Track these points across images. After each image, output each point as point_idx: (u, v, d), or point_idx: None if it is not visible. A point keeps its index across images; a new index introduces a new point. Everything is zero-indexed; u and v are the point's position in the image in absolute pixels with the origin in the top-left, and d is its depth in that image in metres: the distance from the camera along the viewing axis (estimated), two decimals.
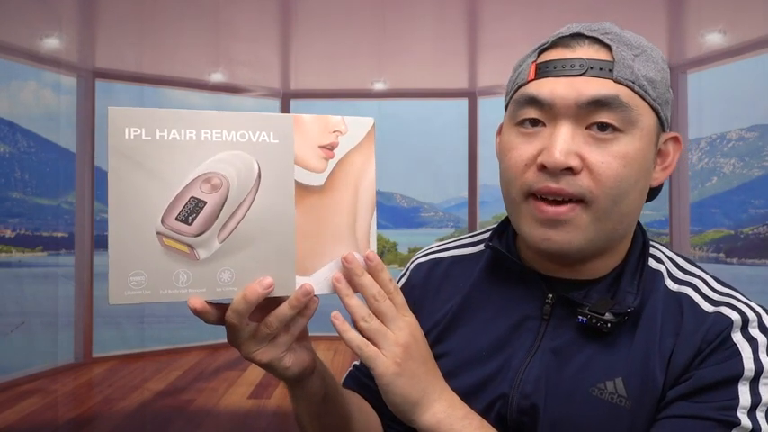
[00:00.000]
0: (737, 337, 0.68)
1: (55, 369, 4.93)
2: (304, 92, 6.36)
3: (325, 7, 4.19)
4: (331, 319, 0.64)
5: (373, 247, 0.70)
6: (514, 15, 4.11)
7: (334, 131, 0.68)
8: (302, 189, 0.66)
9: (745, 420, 0.64)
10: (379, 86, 6.17)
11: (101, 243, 5.25)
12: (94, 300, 5.22)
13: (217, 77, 5.88)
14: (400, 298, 0.67)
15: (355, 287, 0.66)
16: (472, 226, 5.96)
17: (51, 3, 4.15)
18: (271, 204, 0.65)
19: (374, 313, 0.66)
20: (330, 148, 0.67)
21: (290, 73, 5.96)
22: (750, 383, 0.66)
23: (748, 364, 0.66)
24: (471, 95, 6.13)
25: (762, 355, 0.67)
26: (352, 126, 0.68)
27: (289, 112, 6.25)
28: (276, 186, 0.65)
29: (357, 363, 0.93)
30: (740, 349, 0.67)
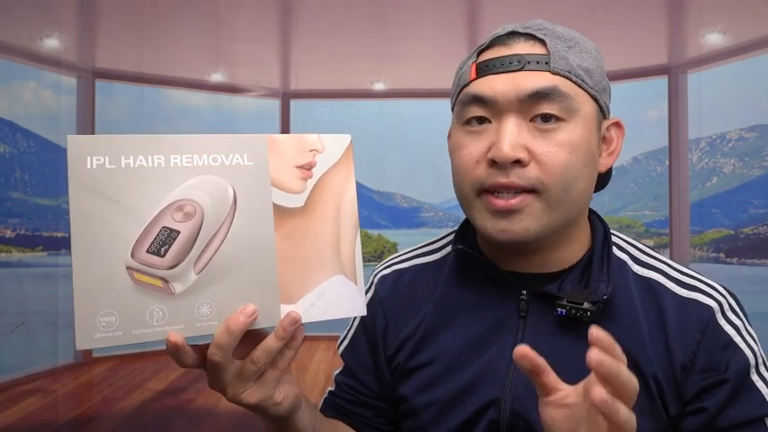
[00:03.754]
0: (724, 324, 0.72)
1: (55, 369, 4.93)
2: (304, 92, 6.37)
3: (325, 8, 4.20)
4: None
5: (359, 270, 0.66)
6: (514, 16, 4.10)
7: (310, 150, 0.64)
8: (281, 212, 0.62)
9: None
10: (379, 86, 6.17)
11: None
12: None
13: (217, 78, 5.89)
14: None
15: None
16: None
17: (51, 3, 4.15)
18: (249, 230, 0.60)
19: None
20: (308, 167, 0.64)
21: (290, 73, 5.96)
22: (756, 372, 0.71)
23: (747, 353, 0.71)
24: None
25: (748, 339, 0.72)
26: (329, 144, 0.65)
27: (289, 112, 6.25)
28: (254, 210, 0.61)
29: (332, 389, 0.90)
30: (734, 339, 0.71)
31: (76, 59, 5.25)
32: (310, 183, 0.64)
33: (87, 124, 5.30)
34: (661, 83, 5.31)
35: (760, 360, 0.72)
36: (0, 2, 4.01)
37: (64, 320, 5.29)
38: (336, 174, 0.66)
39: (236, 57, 5.29)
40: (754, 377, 0.70)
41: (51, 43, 4.82)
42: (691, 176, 5.35)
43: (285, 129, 6.26)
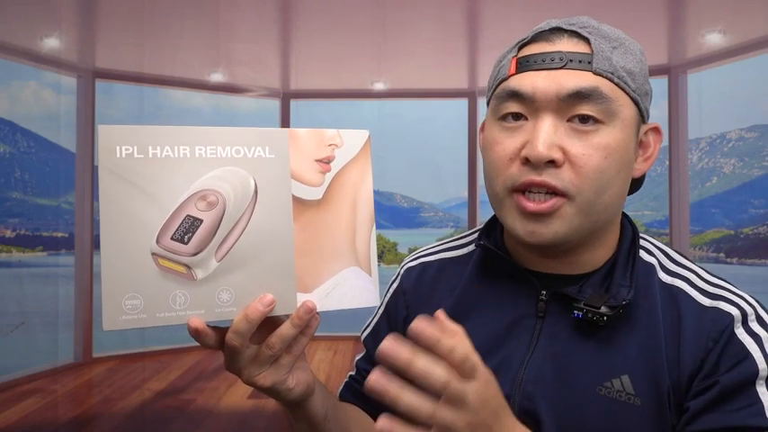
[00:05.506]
0: (741, 333, 0.69)
1: (55, 369, 4.93)
2: (304, 92, 6.37)
3: (325, 7, 4.20)
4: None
5: (374, 261, 0.68)
6: (514, 16, 4.11)
7: (329, 145, 0.67)
8: (300, 204, 0.65)
9: None
10: (379, 86, 6.17)
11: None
12: (94, 300, 5.22)
13: (217, 77, 5.89)
14: (462, 357, 0.54)
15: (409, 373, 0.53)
16: (472, 226, 5.95)
17: (51, 3, 4.15)
18: (268, 220, 0.63)
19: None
20: (326, 161, 0.66)
21: (290, 73, 5.96)
22: (766, 383, 0.67)
23: (761, 364, 0.67)
24: (471, 95, 6.13)
25: None
26: (348, 139, 0.68)
27: (289, 112, 6.25)
28: (273, 202, 0.63)
29: (353, 373, 0.92)
30: (748, 348, 0.68)
31: (76, 59, 5.25)
32: (328, 176, 0.67)
33: (87, 124, 5.30)
34: (661, 83, 5.31)
35: None
36: (0, 2, 4.01)
37: (64, 320, 5.29)
38: (354, 168, 0.68)
39: (235, 57, 5.30)
40: (761, 388, 0.66)
41: (51, 43, 4.82)
42: (691, 176, 5.35)
43: None
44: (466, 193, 6.15)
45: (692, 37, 4.79)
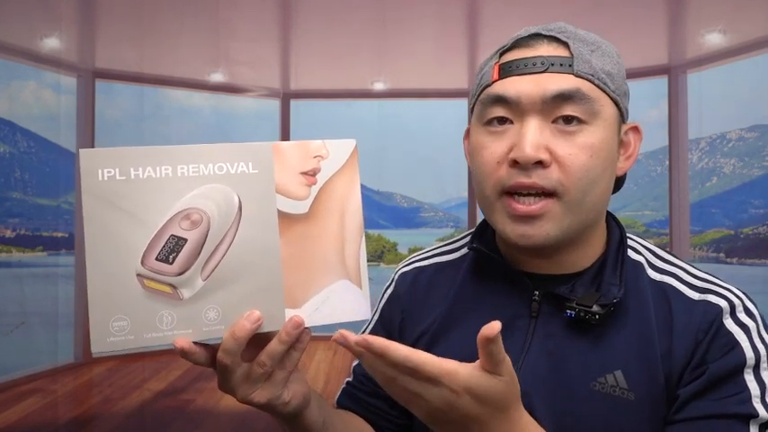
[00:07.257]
0: (730, 323, 0.70)
1: (55, 369, 4.93)
2: (304, 92, 6.37)
3: (325, 7, 4.20)
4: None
5: (364, 274, 0.67)
6: (515, 15, 4.11)
7: (315, 156, 0.65)
8: (286, 218, 0.64)
9: (761, 410, 0.66)
10: (379, 86, 6.17)
11: None
12: None
13: (217, 77, 5.89)
14: (424, 368, 0.58)
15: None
16: (472, 226, 5.92)
17: (51, 3, 4.15)
18: (254, 236, 0.63)
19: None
20: (312, 173, 0.65)
21: (290, 73, 5.96)
22: (753, 371, 0.68)
23: (748, 353, 0.69)
24: None
25: (756, 341, 0.70)
26: (334, 149, 0.66)
27: (289, 112, 6.25)
28: (258, 217, 0.63)
29: (350, 379, 0.92)
30: (737, 337, 0.69)
31: (76, 59, 5.25)
32: (314, 189, 0.65)
33: (87, 124, 5.30)
34: (661, 83, 5.31)
35: (762, 362, 0.69)
36: (0, 2, 4.01)
37: (64, 320, 5.29)
38: (341, 179, 0.66)
39: (235, 56, 5.30)
40: (748, 376, 0.68)
41: (51, 43, 4.82)
42: (691, 176, 5.35)
43: (285, 129, 6.26)
44: (466, 193, 6.15)
45: (692, 37, 4.79)
